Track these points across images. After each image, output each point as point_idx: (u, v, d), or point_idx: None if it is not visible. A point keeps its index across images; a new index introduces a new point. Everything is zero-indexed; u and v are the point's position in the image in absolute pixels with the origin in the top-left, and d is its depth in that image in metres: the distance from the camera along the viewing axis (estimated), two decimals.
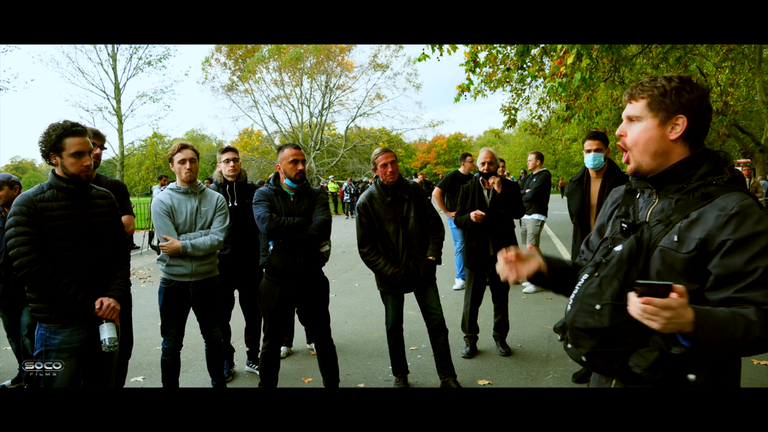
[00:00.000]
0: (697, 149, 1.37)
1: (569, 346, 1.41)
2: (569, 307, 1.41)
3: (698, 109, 1.34)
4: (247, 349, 4.30)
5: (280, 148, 3.36)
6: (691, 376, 1.26)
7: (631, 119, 1.40)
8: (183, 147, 3.32)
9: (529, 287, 6.82)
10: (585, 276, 1.42)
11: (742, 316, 1.18)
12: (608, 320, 1.28)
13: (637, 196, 1.47)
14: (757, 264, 1.20)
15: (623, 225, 1.42)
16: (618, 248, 1.38)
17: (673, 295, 1.13)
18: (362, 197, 3.68)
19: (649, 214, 1.39)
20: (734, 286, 1.22)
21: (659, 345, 1.23)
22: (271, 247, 3.31)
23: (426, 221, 3.66)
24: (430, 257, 3.60)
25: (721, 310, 1.21)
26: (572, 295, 1.42)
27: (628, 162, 1.42)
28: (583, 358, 1.37)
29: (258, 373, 4.11)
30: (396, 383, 3.77)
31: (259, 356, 3.37)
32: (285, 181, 3.30)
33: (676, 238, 1.29)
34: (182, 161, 3.28)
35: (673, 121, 1.34)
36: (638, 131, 1.38)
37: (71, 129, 2.36)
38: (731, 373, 1.33)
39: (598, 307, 1.31)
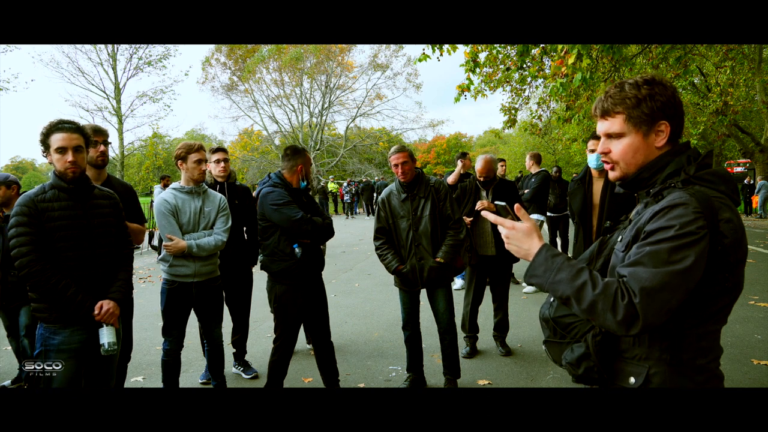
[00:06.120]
0: (675, 145, 1.34)
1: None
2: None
3: (674, 109, 1.30)
4: (234, 350, 4.20)
5: (301, 151, 3.30)
6: (632, 380, 1.30)
7: (610, 136, 1.35)
8: (201, 147, 3.37)
9: (529, 287, 6.82)
10: None
11: (591, 275, 1.20)
12: (554, 312, 1.40)
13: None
14: (645, 249, 1.18)
15: (604, 227, 1.49)
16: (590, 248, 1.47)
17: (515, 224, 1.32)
18: (384, 192, 3.70)
19: (633, 215, 1.39)
20: (623, 263, 1.24)
21: (587, 344, 1.32)
22: (297, 249, 3.18)
23: (444, 222, 3.57)
24: (439, 259, 3.50)
25: (579, 265, 1.24)
26: None
27: (612, 170, 1.38)
28: (544, 346, 1.47)
29: (245, 376, 4.11)
30: (405, 381, 3.76)
31: (269, 360, 3.36)
32: (301, 184, 3.33)
33: (620, 238, 1.33)
34: (198, 161, 3.32)
35: (656, 129, 1.30)
36: (623, 147, 1.33)
37: (56, 125, 2.35)
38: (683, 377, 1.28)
39: (551, 300, 1.43)
